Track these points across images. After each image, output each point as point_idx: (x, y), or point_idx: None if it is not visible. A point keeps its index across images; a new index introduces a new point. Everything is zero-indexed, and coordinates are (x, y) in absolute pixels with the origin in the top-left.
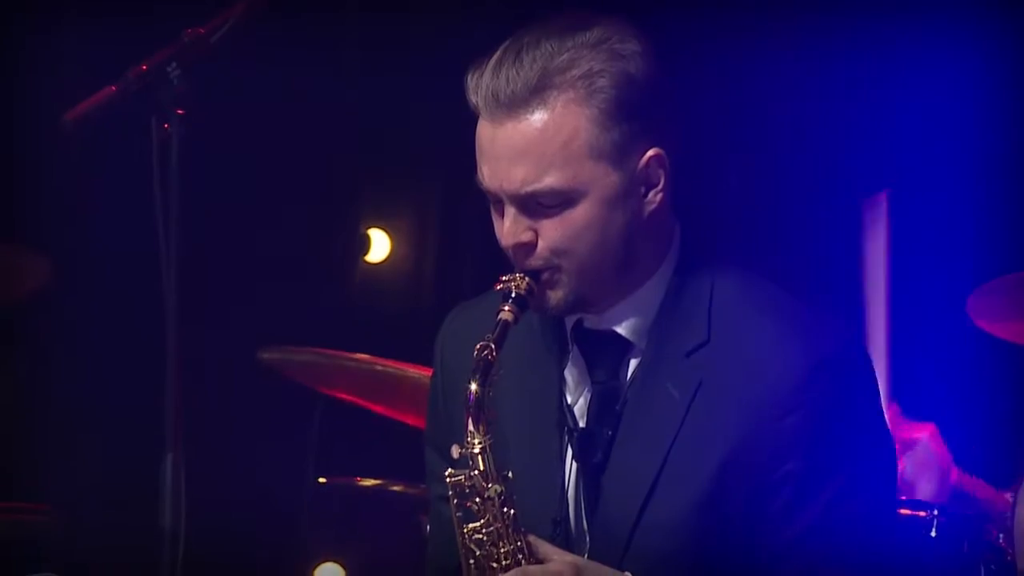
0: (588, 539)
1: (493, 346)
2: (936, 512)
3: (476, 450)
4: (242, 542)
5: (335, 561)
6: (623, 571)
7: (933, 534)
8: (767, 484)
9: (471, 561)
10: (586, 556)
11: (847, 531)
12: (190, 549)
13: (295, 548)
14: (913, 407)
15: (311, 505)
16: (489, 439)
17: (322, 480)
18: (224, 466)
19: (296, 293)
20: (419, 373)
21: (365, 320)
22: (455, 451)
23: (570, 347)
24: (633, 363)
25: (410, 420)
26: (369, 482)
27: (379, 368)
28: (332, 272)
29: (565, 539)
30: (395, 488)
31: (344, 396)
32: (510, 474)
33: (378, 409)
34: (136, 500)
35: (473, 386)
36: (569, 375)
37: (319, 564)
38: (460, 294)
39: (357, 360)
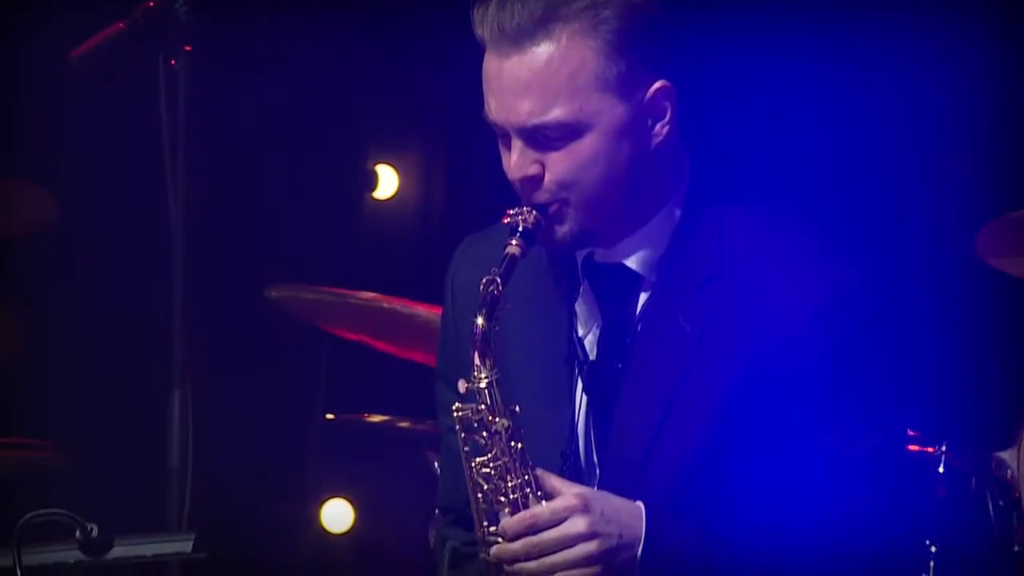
0: (598, 472)
1: (499, 281)
2: (944, 448)
3: (483, 385)
4: (249, 479)
5: (343, 498)
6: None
7: (941, 470)
8: (779, 417)
9: (479, 495)
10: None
11: (858, 465)
12: (197, 486)
13: (303, 485)
14: None
15: (319, 442)
16: (496, 373)
17: (330, 417)
18: (231, 404)
19: (303, 230)
20: (427, 311)
21: (372, 258)
22: (462, 386)
23: (580, 281)
24: (643, 296)
25: (418, 358)
26: (377, 419)
27: (386, 306)
28: (339, 209)
29: (575, 473)
30: (402, 425)
31: (351, 334)
32: (517, 408)
33: (385, 347)
34: (143, 437)
35: (479, 321)
36: (579, 309)
37: (327, 501)
38: (469, 231)
39: (364, 298)
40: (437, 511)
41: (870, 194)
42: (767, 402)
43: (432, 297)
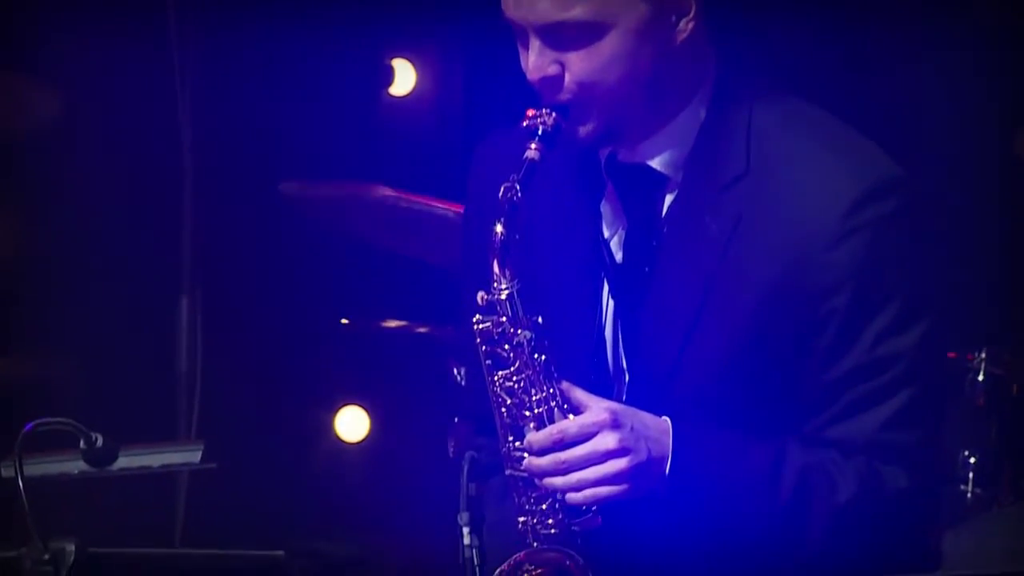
0: (627, 379)
1: (518, 187)
2: (983, 355)
3: (503, 295)
4: (262, 387)
5: (358, 405)
6: (662, 415)
7: (980, 378)
8: (811, 321)
9: (503, 410)
10: (624, 398)
11: (892, 374)
12: (206, 394)
13: (316, 392)
14: None
15: (333, 348)
16: (517, 284)
17: (345, 322)
18: (242, 308)
19: (317, 127)
20: (445, 209)
21: (389, 155)
22: (481, 297)
23: (604, 182)
24: (669, 197)
25: (436, 260)
26: (394, 324)
27: (403, 204)
28: (354, 105)
29: (603, 380)
30: (420, 330)
31: (367, 233)
32: (540, 319)
33: (402, 248)
34: (151, 343)
35: (498, 228)
36: (604, 210)
37: (341, 408)
38: (488, 127)
39: (380, 195)
40: (456, 419)
41: (904, 88)
42: (799, 306)
43: (450, 195)
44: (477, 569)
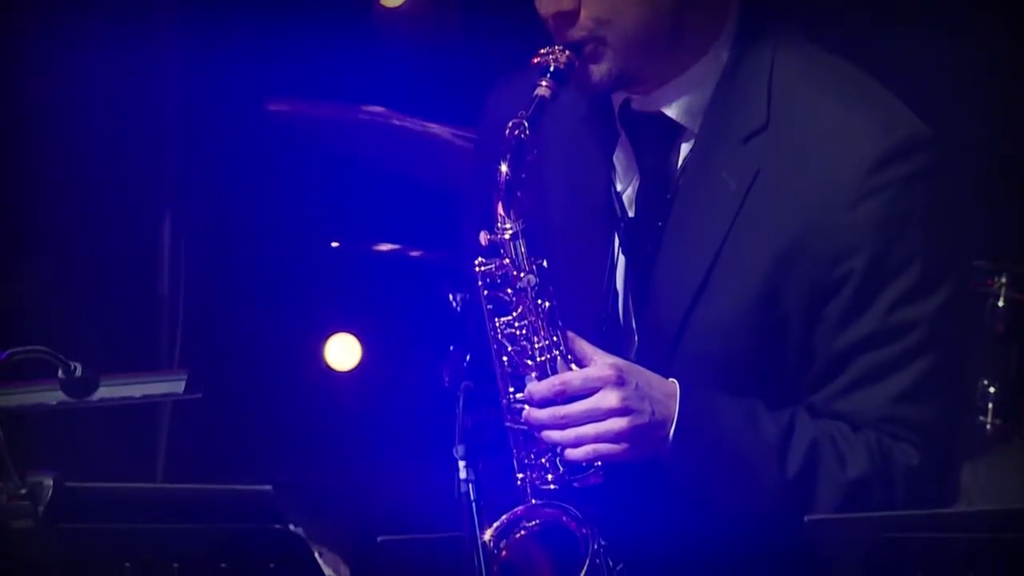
0: (636, 338)
1: (526, 124)
2: (1004, 280)
3: (507, 236)
4: (248, 313)
5: (349, 332)
6: (668, 374)
7: (1000, 304)
8: (826, 282)
9: (503, 358)
10: (633, 355)
11: (906, 343)
12: (191, 319)
13: (306, 319)
14: None
15: (323, 272)
16: (521, 224)
17: (335, 245)
18: (227, 228)
19: (307, 41)
20: (441, 130)
21: (382, 71)
22: (483, 237)
23: (618, 131)
24: (685, 148)
25: (431, 180)
26: (386, 247)
27: (396, 123)
28: (345, 16)
29: (612, 336)
30: (414, 254)
31: (358, 154)
32: (544, 263)
33: (394, 169)
34: (132, 266)
35: (503, 168)
36: (617, 161)
37: (332, 336)
38: (488, 45)
39: (373, 113)
40: (452, 348)
41: (930, 37)
42: (815, 266)
43: (445, 115)
44: (474, 504)
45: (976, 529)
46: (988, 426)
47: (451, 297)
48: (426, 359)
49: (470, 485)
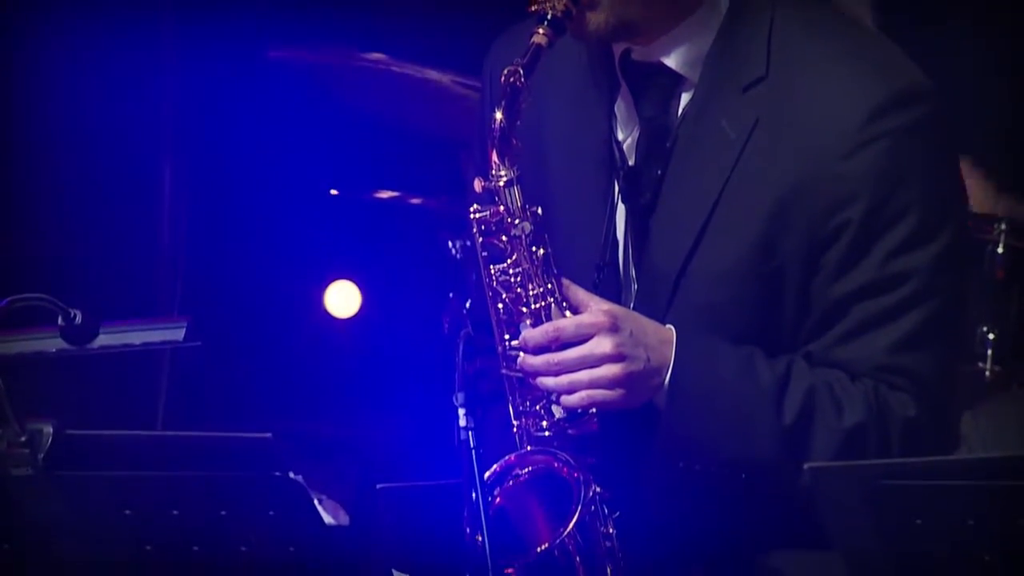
0: (635, 287)
1: (522, 71)
2: (1003, 227)
3: (501, 183)
4: (248, 260)
5: (349, 280)
6: (666, 323)
7: (1000, 250)
8: (823, 231)
9: (499, 305)
10: (632, 304)
11: (903, 292)
12: (191, 267)
13: (305, 266)
14: None
15: (323, 219)
16: (516, 171)
17: (334, 192)
18: (227, 174)
19: None
20: (439, 77)
21: (381, 17)
22: (478, 184)
23: (619, 81)
24: (685, 98)
25: (431, 128)
26: (386, 194)
27: (396, 70)
28: None
29: (611, 285)
30: (414, 201)
31: (357, 100)
32: (539, 210)
33: (393, 115)
34: (131, 212)
35: (498, 115)
36: (618, 111)
37: (331, 283)
38: None
39: (372, 60)
40: (451, 295)
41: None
42: (812, 216)
43: (445, 62)
44: (473, 452)
45: (975, 476)
46: (987, 372)
47: (450, 244)
48: (426, 306)
49: (470, 433)
